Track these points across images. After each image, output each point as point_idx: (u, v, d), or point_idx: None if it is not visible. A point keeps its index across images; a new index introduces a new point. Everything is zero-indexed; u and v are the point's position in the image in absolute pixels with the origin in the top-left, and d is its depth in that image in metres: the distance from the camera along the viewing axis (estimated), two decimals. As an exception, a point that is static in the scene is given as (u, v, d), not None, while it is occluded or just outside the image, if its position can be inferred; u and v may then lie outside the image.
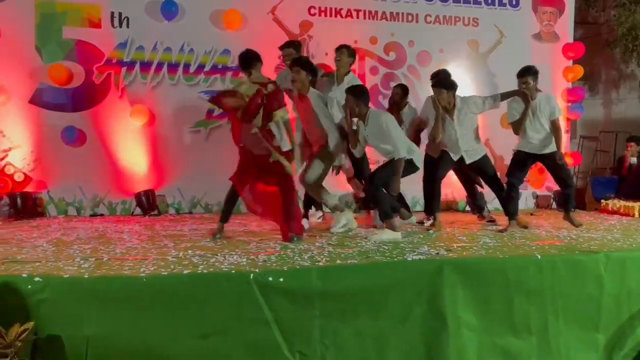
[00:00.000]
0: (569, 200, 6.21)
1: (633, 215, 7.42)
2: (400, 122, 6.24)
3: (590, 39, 11.64)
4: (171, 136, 7.24)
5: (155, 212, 7.09)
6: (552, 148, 5.95)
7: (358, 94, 5.40)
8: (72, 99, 6.93)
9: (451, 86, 5.94)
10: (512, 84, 6.28)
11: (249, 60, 5.23)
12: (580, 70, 8.61)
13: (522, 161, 6.04)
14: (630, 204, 7.65)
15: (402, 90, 6.66)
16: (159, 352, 3.63)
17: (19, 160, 6.83)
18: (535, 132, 5.91)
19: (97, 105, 7.02)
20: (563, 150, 8.38)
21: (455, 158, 6.02)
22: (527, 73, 5.83)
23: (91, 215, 6.94)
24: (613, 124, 12.05)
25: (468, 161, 6.02)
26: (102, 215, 7.01)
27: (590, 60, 11.58)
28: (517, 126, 5.94)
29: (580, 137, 12.49)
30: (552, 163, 6.01)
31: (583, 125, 12.60)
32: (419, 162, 5.64)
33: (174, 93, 7.24)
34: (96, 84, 6.99)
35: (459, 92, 6.03)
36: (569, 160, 8.71)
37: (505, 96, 6.05)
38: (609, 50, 11.36)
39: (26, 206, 6.70)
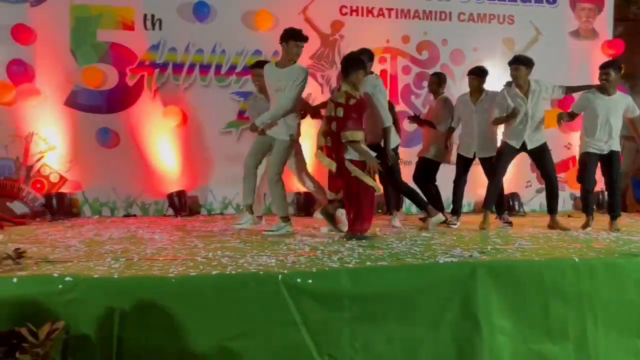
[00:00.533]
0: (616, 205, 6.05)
1: (676, 217, 7.18)
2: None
3: (630, 37, 11.31)
4: (203, 137, 7.26)
5: (187, 212, 7.12)
6: (616, 146, 5.90)
7: None
8: (106, 101, 7.01)
9: (529, 63, 5.93)
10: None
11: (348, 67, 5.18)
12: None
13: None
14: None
15: (439, 78, 6.64)
16: (187, 353, 3.61)
17: (55, 161, 6.95)
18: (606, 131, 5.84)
19: (130, 106, 7.09)
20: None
21: (517, 146, 5.99)
22: (610, 65, 5.70)
23: (124, 216, 7.01)
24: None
25: (530, 147, 5.97)
26: (134, 215, 7.08)
27: (631, 58, 11.24)
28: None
29: (621, 138, 12.14)
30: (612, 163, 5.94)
31: (624, 125, 12.27)
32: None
33: (206, 94, 7.27)
34: (129, 85, 7.06)
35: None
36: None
37: (571, 90, 5.96)
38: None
39: (62, 206, 6.80)
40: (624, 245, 4.86)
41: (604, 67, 5.76)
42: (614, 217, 5.99)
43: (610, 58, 8.32)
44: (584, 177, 6.00)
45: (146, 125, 7.10)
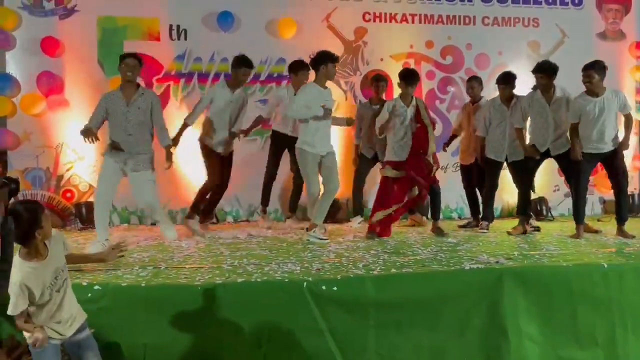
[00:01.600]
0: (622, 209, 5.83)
1: None
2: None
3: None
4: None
5: (214, 220, 7.17)
6: (614, 146, 5.71)
7: None
8: (134, 111, 7.08)
9: (554, 71, 5.93)
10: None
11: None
12: (649, 69, 8.22)
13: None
14: None
15: (481, 83, 6.81)
16: (214, 360, 3.66)
17: (84, 170, 7.06)
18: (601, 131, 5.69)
19: (157, 116, 7.15)
20: (632, 152, 8.15)
21: (542, 149, 5.97)
22: (591, 67, 5.61)
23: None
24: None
25: (554, 153, 5.94)
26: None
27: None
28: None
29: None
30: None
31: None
32: None
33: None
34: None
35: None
36: (638, 164, 8.34)
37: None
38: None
39: (91, 215, 6.88)
40: (654, 250, 4.78)
41: (585, 69, 5.65)
42: (621, 220, 5.77)
43: (638, 60, 8.23)
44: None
45: (172, 134, 7.14)
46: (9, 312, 2.95)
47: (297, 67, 6.44)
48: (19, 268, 2.94)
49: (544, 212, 7.58)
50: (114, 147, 5.38)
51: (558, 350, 4.05)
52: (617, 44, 8.21)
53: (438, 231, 5.90)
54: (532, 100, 5.99)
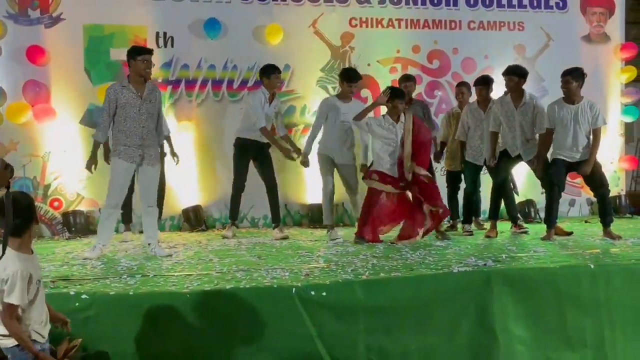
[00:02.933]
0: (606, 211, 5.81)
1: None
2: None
3: (644, 40, 11.25)
4: (217, 151, 7.31)
5: (203, 227, 7.16)
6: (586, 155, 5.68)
7: None
8: (121, 119, 7.06)
9: (523, 74, 6.01)
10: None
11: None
12: (633, 71, 8.30)
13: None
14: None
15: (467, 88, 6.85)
16: (204, 368, 3.64)
17: (71, 179, 7.02)
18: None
19: (144, 123, 7.14)
20: (619, 154, 8.23)
21: (514, 154, 6.06)
22: (569, 73, 5.65)
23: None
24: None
25: (525, 159, 6.02)
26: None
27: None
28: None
29: (638, 140, 12.03)
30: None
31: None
32: None
33: (219, 109, 7.33)
34: (143, 103, 7.12)
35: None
36: (624, 165, 8.41)
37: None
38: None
39: (79, 224, 6.88)
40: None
41: (563, 75, 5.68)
42: (606, 223, 5.75)
43: (622, 62, 8.32)
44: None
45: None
46: (15, 300, 2.81)
47: (269, 71, 6.31)
48: (16, 258, 2.85)
49: (532, 215, 7.61)
50: (127, 144, 5.12)
51: (547, 351, 4.07)
52: (602, 46, 8.30)
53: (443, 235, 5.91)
54: (502, 103, 6.05)
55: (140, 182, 5.26)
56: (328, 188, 6.10)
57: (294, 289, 3.78)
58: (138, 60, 5.12)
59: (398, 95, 5.82)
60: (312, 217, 7.43)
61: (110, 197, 5.15)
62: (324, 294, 3.81)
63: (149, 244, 5.23)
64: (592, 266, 4.19)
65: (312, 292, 3.80)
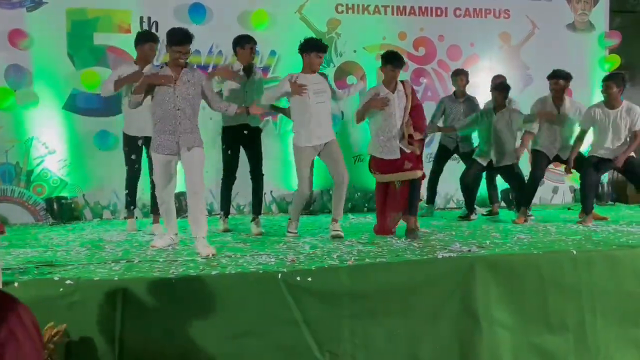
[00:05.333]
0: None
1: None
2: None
3: (628, 28, 11.29)
4: (202, 137, 7.24)
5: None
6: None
7: None
8: (105, 104, 7.00)
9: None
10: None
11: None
12: (617, 60, 8.36)
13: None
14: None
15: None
16: (189, 353, 3.65)
17: (55, 165, 6.95)
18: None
19: (129, 109, 7.08)
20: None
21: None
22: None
23: (125, 218, 7.01)
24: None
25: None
26: (136, 217, 7.08)
27: (629, 50, 11.23)
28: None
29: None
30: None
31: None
32: None
33: (204, 95, 7.27)
34: (127, 88, 7.06)
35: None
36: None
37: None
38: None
39: (62, 210, 6.83)
40: (622, 237, 4.88)
41: (604, 80, 6.04)
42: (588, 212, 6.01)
43: (607, 51, 8.37)
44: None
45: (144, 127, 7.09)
46: None
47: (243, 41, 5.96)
48: None
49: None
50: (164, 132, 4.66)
51: (529, 336, 4.12)
52: (586, 35, 8.35)
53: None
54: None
55: (184, 167, 4.75)
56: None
57: (279, 275, 3.79)
58: (174, 49, 4.58)
59: (391, 60, 5.35)
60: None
61: (158, 192, 4.85)
62: (310, 279, 3.83)
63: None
64: (574, 252, 4.24)
65: (298, 278, 3.82)
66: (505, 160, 6.27)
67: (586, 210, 5.90)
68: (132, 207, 6.14)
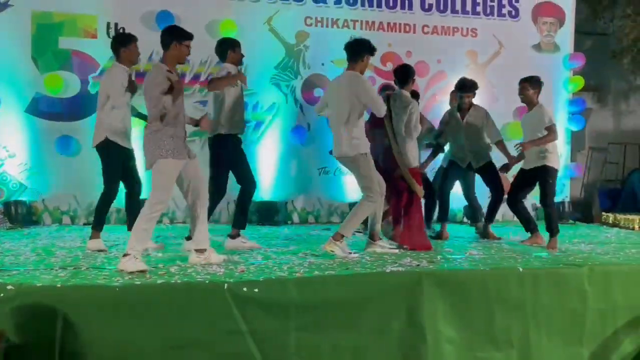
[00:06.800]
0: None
1: (633, 228, 7.33)
2: None
3: (599, 50, 11.53)
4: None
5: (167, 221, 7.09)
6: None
7: None
8: (68, 109, 6.97)
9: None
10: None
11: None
12: (581, 81, 8.52)
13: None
14: (630, 216, 7.55)
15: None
16: (131, 362, 3.62)
17: (15, 169, 6.88)
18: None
19: (92, 114, 7.03)
20: (565, 161, 8.44)
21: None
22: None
23: (85, 224, 6.96)
24: (622, 136, 11.92)
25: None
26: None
27: (600, 71, 11.45)
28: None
29: (589, 149, 12.36)
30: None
31: (593, 136, 12.47)
32: None
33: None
34: (91, 93, 7.03)
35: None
36: (569, 173, 8.61)
37: None
38: (616, 62, 11.23)
39: (20, 214, 6.75)
40: (571, 255, 4.95)
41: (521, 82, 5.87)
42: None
43: (571, 72, 8.52)
44: None
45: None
46: None
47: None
48: None
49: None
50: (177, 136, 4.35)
51: (475, 351, 4.14)
52: (552, 56, 8.50)
53: None
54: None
55: (188, 175, 4.42)
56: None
57: (225, 285, 3.78)
58: (183, 44, 4.43)
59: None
60: (261, 214, 7.43)
61: (161, 199, 4.27)
62: (256, 290, 3.81)
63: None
64: (520, 269, 4.29)
65: (244, 289, 3.80)
66: (482, 159, 6.13)
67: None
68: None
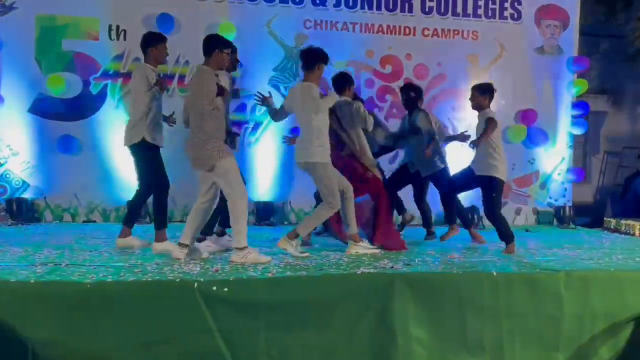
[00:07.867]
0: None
1: (634, 234, 7.22)
2: None
3: (614, 53, 11.36)
4: (166, 146, 7.33)
5: (147, 219, 7.20)
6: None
7: None
8: (70, 109, 7.14)
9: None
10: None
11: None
12: (585, 84, 8.43)
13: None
14: (632, 222, 7.44)
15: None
16: (101, 359, 3.70)
17: (18, 167, 7.07)
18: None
19: (93, 114, 7.22)
20: (567, 165, 8.36)
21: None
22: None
23: (84, 222, 7.12)
24: (638, 140, 11.77)
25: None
26: (94, 221, 7.18)
27: (615, 74, 11.29)
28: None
29: (604, 153, 12.20)
30: None
31: (608, 140, 12.30)
32: None
33: (169, 104, 7.33)
34: (93, 94, 7.19)
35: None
36: (569, 177, 8.52)
37: None
38: (631, 65, 11.08)
39: (22, 211, 6.93)
40: (551, 260, 4.91)
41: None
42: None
43: (575, 74, 8.43)
44: None
45: (108, 133, 7.22)
46: None
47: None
48: None
49: (475, 221, 7.71)
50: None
51: (446, 354, 4.13)
52: (555, 58, 8.42)
53: None
54: None
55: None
56: None
57: (196, 284, 3.85)
58: (224, 52, 4.71)
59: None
60: (257, 215, 7.51)
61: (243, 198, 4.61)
62: (226, 289, 3.87)
63: None
64: (494, 273, 4.27)
65: (214, 288, 3.86)
66: (430, 166, 6.02)
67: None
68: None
